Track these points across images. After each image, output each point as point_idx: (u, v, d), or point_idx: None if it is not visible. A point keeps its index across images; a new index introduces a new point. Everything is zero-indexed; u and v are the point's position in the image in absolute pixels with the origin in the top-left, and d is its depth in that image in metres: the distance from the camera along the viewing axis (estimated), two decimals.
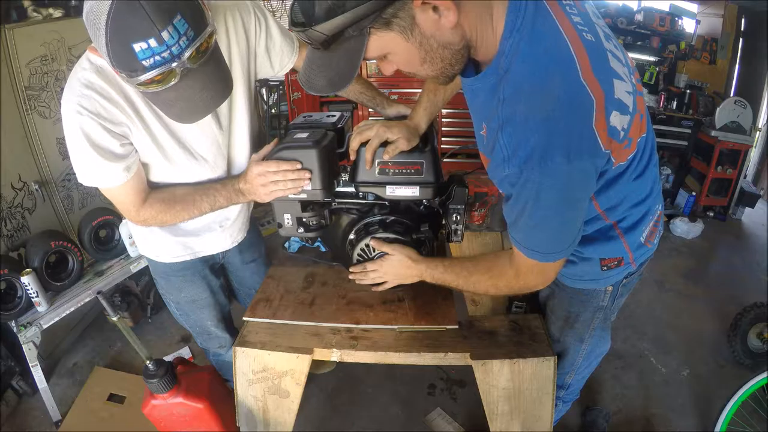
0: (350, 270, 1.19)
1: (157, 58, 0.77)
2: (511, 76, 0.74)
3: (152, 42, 0.76)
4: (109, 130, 0.96)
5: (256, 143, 1.26)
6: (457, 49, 0.74)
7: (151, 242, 1.27)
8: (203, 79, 0.86)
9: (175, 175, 1.13)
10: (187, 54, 0.80)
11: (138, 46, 0.76)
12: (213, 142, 1.13)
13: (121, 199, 1.06)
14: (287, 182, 1.08)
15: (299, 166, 1.08)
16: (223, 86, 0.92)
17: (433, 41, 0.71)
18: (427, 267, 1.08)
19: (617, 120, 0.75)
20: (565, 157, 0.71)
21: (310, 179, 1.10)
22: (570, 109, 0.71)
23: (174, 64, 0.79)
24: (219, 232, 1.30)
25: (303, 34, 0.68)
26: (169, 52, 0.77)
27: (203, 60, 0.84)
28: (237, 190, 1.13)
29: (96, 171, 0.99)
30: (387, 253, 1.13)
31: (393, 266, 1.12)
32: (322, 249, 1.53)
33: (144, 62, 0.77)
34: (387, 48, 0.71)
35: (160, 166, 1.10)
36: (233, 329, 1.54)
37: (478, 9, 0.72)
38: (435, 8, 0.67)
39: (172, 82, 0.82)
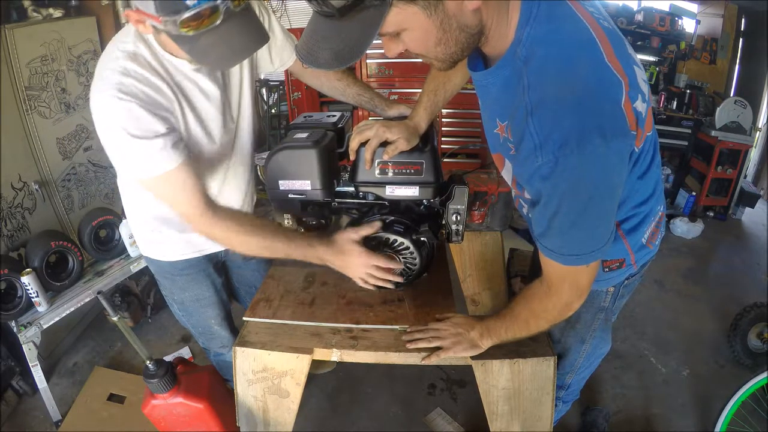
0: (408, 331, 1.16)
1: None
2: (534, 62, 0.72)
3: None
4: (152, 112, 0.94)
5: (256, 140, 1.28)
6: (472, 33, 0.72)
7: (155, 242, 1.27)
8: (242, 25, 0.87)
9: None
10: None
11: None
12: (225, 125, 1.15)
13: (173, 192, 0.98)
14: (379, 279, 1.12)
15: (402, 267, 1.15)
16: (261, 34, 0.92)
17: (453, 22, 0.69)
18: (487, 328, 1.06)
19: (639, 105, 0.75)
20: (602, 138, 0.67)
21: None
22: (599, 87, 0.70)
23: (219, 1, 0.80)
24: None
25: None
26: None
27: (243, 7, 0.86)
28: (320, 258, 1.10)
29: (144, 157, 0.93)
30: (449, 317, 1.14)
31: (455, 323, 1.11)
32: None
33: (188, 1, 0.79)
34: (405, 23, 0.67)
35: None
36: (235, 329, 1.54)
37: None
38: None
39: (215, 24, 0.82)
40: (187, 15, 0.79)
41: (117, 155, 0.95)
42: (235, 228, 1.04)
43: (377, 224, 1.12)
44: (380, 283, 1.13)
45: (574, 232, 0.78)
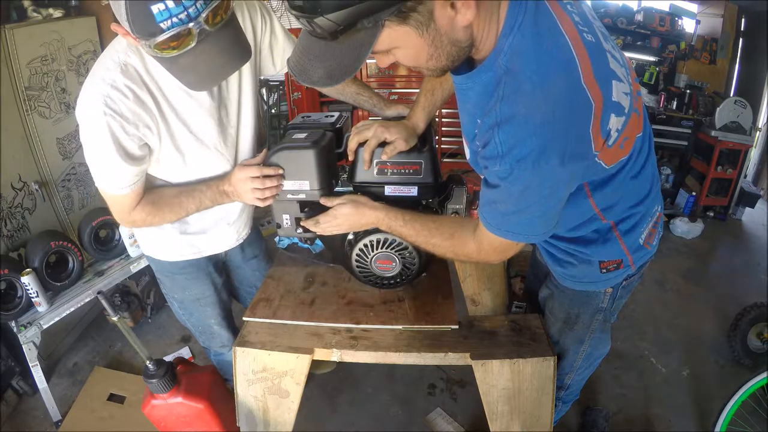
0: (301, 224, 1.17)
1: (175, 20, 0.78)
2: (512, 75, 0.72)
3: (170, 3, 0.77)
4: (131, 133, 0.98)
5: (258, 139, 1.28)
6: (463, 47, 0.73)
7: (157, 241, 1.28)
8: (221, 44, 0.86)
9: (188, 170, 1.15)
10: (204, 15, 0.80)
11: (156, 8, 0.77)
12: (222, 132, 1.16)
13: (119, 202, 1.08)
14: (266, 190, 1.12)
15: (281, 171, 1.12)
16: (242, 51, 0.91)
17: (445, 38, 0.69)
18: (386, 215, 1.04)
19: (613, 122, 0.75)
20: (560, 160, 0.71)
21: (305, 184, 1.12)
22: (570, 112, 0.70)
23: (191, 25, 0.80)
24: (226, 227, 1.31)
25: (309, 22, 0.62)
26: (186, 13, 0.78)
27: (221, 24, 0.84)
28: (222, 191, 1.16)
29: (111, 174, 1.01)
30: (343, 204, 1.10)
31: (346, 215, 1.08)
32: (312, 249, 1.52)
33: (162, 24, 0.78)
34: (397, 42, 0.68)
35: (175, 161, 1.12)
36: (235, 328, 1.55)
37: (489, 8, 0.71)
38: (452, 5, 0.65)
39: (190, 46, 0.82)
40: (160, 39, 0.80)
41: (88, 158, 1.01)
42: (153, 211, 1.12)
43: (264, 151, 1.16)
44: (271, 192, 1.13)
45: (512, 218, 0.83)
